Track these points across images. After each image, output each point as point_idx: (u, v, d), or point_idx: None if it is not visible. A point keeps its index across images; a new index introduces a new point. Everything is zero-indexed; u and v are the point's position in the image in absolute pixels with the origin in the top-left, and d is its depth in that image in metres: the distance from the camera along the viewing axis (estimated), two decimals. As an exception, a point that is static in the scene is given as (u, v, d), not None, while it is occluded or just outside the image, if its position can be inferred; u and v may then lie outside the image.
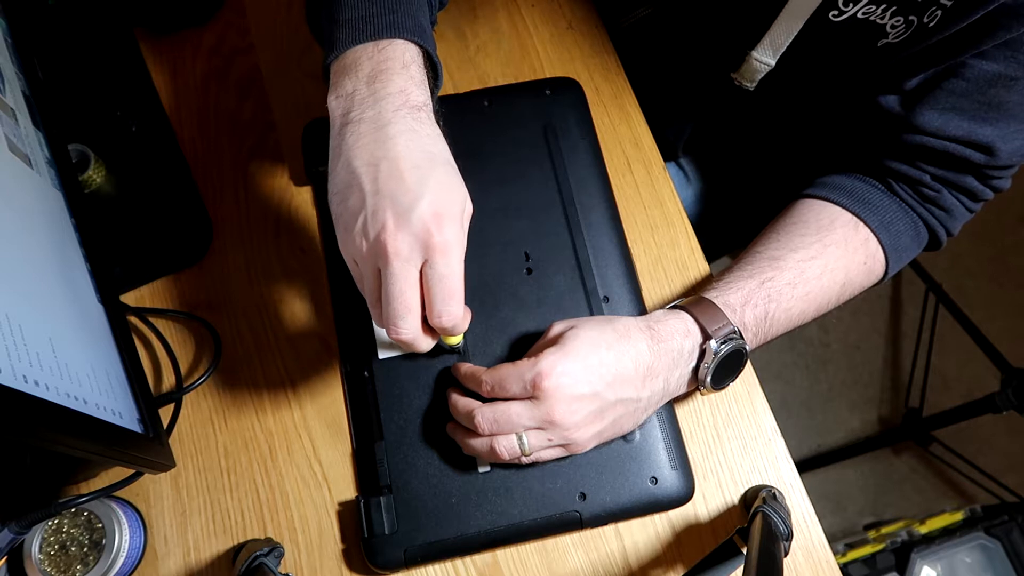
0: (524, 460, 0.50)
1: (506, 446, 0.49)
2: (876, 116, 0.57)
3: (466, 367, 0.53)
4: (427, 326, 0.46)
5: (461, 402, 0.52)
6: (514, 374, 0.49)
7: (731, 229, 0.86)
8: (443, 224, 0.42)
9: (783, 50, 0.59)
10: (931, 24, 0.50)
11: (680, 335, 0.51)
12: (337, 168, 0.44)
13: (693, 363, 0.52)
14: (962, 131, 0.53)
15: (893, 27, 0.52)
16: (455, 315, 0.44)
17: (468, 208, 0.45)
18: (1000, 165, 0.55)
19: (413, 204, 0.42)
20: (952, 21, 0.49)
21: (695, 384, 0.53)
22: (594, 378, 0.48)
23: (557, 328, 0.52)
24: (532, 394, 0.48)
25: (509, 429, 0.49)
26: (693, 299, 0.54)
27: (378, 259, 0.43)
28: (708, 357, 0.51)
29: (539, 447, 0.49)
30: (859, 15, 0.52)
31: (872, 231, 0.58)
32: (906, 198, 0.59)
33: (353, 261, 0.45)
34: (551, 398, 0.47)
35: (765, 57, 0.61)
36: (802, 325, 0.58)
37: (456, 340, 0.51)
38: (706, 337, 0.51)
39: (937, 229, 0.60)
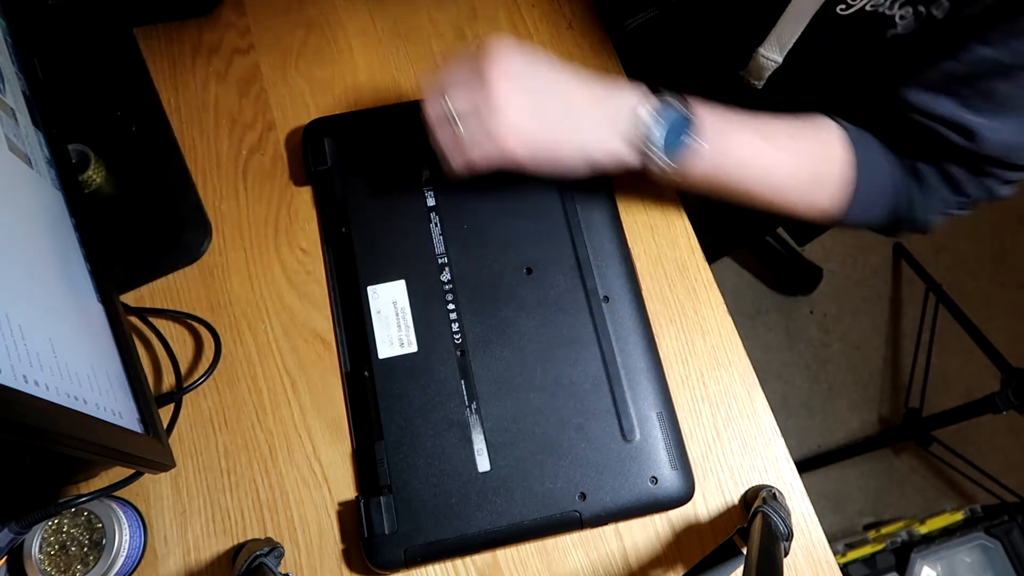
0: (448, 109, 0.51)
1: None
2: (876, 98, 0.57)
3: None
4: None
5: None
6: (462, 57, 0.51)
7: (732, 230, 0.86)
8: None
9: (790, 46, 0.59)
10: (940, 16, 0.49)
11: (629, 89, 0.54)
12: None
13: (641, 114, 0.53)
14: (947, 111, 0.53)
15: (902, 18, 0.51)
16: None
17: None
18: (984, 154, 0.54)
19: None
20: (961, 9, 0.48)
21: (646, 149, 0.54)
22: (534, 60, 0.52)
23: None
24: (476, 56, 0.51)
25: (451, 80, 0.51)
26: None
27: None
28: (654, 105, 0.53)
29: (459, 96, 0.50)
30: (867, 7, 0.52)
31: (855, 157, 0.57)
32: (901, 165, 0.58)
33: None
34: (491, 53, 0.50)
35: (772, 54, 0.61)
36: (749, 190, 0.58)
37: None
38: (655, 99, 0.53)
39: (915, 205, 0.58)
